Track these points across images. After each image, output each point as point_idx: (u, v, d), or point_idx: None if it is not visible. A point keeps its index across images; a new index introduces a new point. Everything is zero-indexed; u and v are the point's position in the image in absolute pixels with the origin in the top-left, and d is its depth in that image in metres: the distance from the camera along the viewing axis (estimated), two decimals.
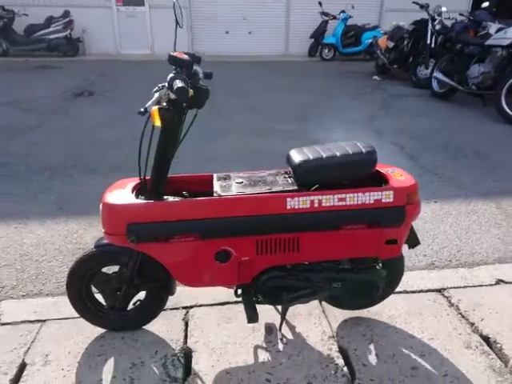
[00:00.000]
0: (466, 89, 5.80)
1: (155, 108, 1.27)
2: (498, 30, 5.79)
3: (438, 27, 6.97)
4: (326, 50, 10.95)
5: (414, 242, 1.66)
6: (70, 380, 1.50)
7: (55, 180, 3.22)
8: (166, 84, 1.28)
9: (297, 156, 1.51)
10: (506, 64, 5.23)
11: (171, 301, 1.81)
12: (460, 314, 1.85)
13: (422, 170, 3.50)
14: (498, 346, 1.67)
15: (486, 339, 1.71)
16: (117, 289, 1.63)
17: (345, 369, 1.55)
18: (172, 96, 1.29)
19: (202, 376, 1.52)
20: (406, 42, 7.68)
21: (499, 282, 2.08)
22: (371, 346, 1.66)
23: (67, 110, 5.33)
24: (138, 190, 1.53)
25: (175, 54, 1.30)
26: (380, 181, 1.56)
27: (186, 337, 1.70)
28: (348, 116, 5.24)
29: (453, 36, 6.37)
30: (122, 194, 1.47)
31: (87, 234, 2.48)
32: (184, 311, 1.85)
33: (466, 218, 2.76)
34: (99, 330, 1.71)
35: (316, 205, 1.45)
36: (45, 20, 9.90)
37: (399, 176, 1.55)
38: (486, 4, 7.28)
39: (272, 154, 3.76)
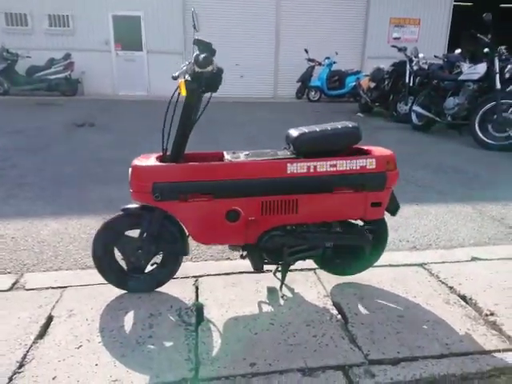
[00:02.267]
0: (443, 120, 6.32)
1: (182, 80, 1.57)
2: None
3: (415, 68, 7.64)
4: (313, 93, 11.69)
5: (395, 207, 1.92)
6: (94, 327, 1.67)
7: (66, 187, 3.45)
8: (192, 60, 1.59)
9: (294, 132, 1.81)
10: (477, 96, 5.77)
11: (181, 272, 2.01)
12: (440, 280, 2.08)
13: (404, 182, 3.83)
14: (473, 301, 1.90)
15: (463, 297, 1.94)
16: (138, 250, 1.84)
17: (339, 316, 1.76)
18: (197, 69, 1.59)
19: (214, 321, 1.71)
20: (386, 82, 8.35)
21: (474, 259, 2.33)
22: (361, 301, 1.87)
23: (71, 137, 5.64)
24: (161, 159, 1.80)
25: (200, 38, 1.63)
26: (363, 154, 1.85)
27: (197, 296, 1.90)
28: None
29: (430, 73, 7.01)
30: (149, 160, 1.74)
31: None
32: (193, 279, 2.04)
33: (445, 215, 3.05)
34: (118, 292, 1.90)
35: (312, 170, 1.72)
36: (46, 62, 10.49)
37: (379, 149, 1.85)
38: (458, 51, 8.13)
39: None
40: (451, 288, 2.02)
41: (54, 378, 1.39)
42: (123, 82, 11.53)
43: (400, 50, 7.76)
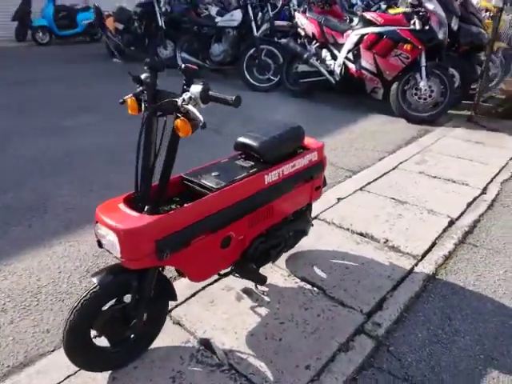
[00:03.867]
0: (210, 65, 6.76)
1: (181, 119, 1.31)
2: (219, 12, 6.97)
3: (163, 9, 7.55)
4: (40, 34, 9.87)
5: (325, 184, 2.26)
6: None
7: None
8: (193, 94, 1.32)
9: (253, 140, 1.80)
10: (238, 42, 6.42)
11: None
12: (339, 227, 2.64)
13: None
14: (370, 235, 2.55)
15: (361, 234, 2.56)
16: (127, 319, 1.53)
17: (315, 288, 2.06)
18: (202, 106, 1.34)
19: (232, 351, 1.70)
20: (137, 24, 7.95)
21: (339, 199, 2.99)
22: (317, 267, 2.22)
23: None
24: (130, 205, 1.47)
25: None
26: (301, 147, 2.05)
27: (192, 333, 1.78)
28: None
29: (176, 17, 7.12)
30: (130, 215, 1.40)
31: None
32: (168, 316, 1.86)
33: None
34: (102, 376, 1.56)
35: (281, 175, 1.82)
36: None
37: (311, 141, 2.08)
38: None
39: None
40: (349, 229, 2.61)
41: None
42: None
43: None
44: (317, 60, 5.37)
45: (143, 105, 1.49)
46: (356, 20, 5.17)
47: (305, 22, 5.55)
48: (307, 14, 5.57)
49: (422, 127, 4.60)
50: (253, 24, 6.11)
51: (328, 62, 5.31)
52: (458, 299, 2.02)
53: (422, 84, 4.57)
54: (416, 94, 4.68)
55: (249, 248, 1.81)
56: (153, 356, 1.67)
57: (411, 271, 2.21)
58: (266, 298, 1.99)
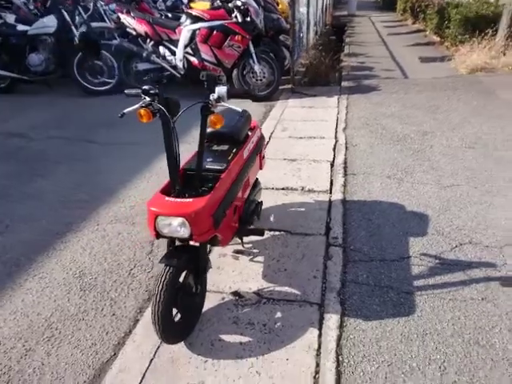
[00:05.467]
0: (30, 77, 6.18)
1: (217, 115, 1.69)
2: (17, 20, 6.37)
3: None
4: None
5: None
6: None
7: None
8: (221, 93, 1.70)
9: (224, 128, 2.23)
10: (59, 48, 6.05)
11: None
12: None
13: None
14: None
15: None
16: (192, 291, 1.84)
17: (282, 232, 2.66)
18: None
19: (260, 290, 2.19)
20: None
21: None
22: (271, 219, 2.81)
23: None
24: (167, 192, 1.79)
25: None
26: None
27: (222, 292, 2.16)
28: None
29: None
30: (184, 202, 1.71)
31: None
32: None
33: None
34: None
35: (249, 150, 2.32)
36: None
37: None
38: None
39: None
40: (273, 188, 3.26)
41: None
42: None
43: None
44: (157, 57, 5.68)
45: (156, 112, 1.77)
46: (184, 17, 5.66)
47: (132, 22, 5.72)
48: (132, 14, 5.75)
49: (266, 103, 5.56)
50: (73, 28, 5.90)
51: (169, 58, 5.69)
52: (367, 208, 2.94)
53: (256, 68, 5.49)
54: (253, 77, 5.59)
55: (242, 213, 2.27)
56: (207, 317, 2.01)
57: (330, 201, 3.04)
58: (255, 250, 2.50)
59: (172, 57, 5.69)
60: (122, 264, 2.46)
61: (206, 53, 5.51)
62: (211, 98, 1.72)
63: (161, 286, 1.66)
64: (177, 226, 1.69)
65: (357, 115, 4.84)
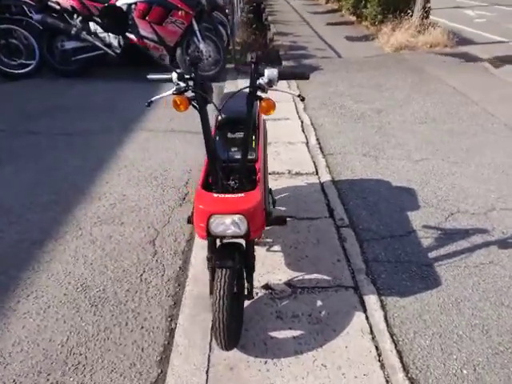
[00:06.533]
0: None
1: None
2: None
3: None
4: None
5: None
6: None
7: None
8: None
9: (239, 113, 2.07)
10: None
11: None
12: None
13: None
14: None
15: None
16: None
17: (289, 218, 2.61)
18: None
19: (290, 280, 2.13)
20: None
21: None
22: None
23: None
24: (207, 187, 1.67)
25: None
26: None
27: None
28: None
29: None
30: (236, 198, 1.58)
31: None
32: None
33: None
34: None
35: (261, 133, 2.20)
36: None
37: None
38: None
39: None
40: None
41: None
42: None
43: None
44: (88, 34, 5.07)
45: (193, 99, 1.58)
46: None
47: None
48: None
49: (215, 84, 5.32)
50: None
51: (101, 35, 5.12)
52: (357, 187, 3.02)
53: (202, 46, 5.21)
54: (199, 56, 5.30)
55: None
56: (248, 316, 1.90)
57: (321, 182, 3.05)
58: (269, 240, 2.41)
59: (105, 34, 5.13)
60: (129, 270, 2.20)
61: (144, 29, 5.07)
62: (261, 81, 1.57)
63: (222, 291, 1.52)
64: (232, 224, 1.55)
65: (311, 95, 4.89)
